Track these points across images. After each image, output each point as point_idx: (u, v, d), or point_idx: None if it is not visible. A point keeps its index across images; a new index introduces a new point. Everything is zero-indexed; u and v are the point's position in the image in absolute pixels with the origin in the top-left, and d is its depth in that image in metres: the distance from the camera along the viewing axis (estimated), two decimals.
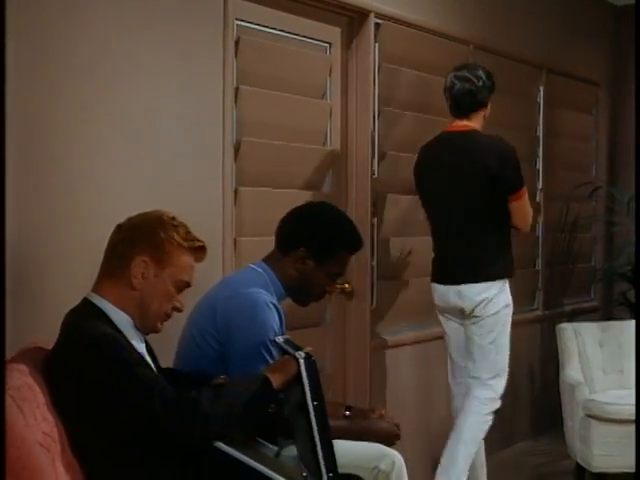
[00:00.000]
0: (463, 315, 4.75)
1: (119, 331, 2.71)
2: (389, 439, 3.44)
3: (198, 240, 2.83)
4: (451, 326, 4.88)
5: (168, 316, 2.81)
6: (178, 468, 2.67)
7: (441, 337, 5.66)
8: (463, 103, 4.75)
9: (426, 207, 4.85)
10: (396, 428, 3.46)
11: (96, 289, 2.77)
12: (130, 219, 2.81)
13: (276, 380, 2.73)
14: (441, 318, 4.91)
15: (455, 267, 4.74)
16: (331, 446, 2.72)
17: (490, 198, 4.64)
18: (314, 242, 3.37)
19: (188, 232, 2.81)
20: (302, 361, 2.72)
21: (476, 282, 4.66)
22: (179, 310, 2.83)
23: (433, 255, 4.84)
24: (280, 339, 3.09)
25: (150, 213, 2.82)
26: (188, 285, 2.82)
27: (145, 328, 2.80)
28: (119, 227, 2.80)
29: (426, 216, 4.88)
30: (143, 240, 2.74)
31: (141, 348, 2.80)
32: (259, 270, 3.40)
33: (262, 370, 2.91)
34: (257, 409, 2.73)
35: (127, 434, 2.59)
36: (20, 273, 3.04)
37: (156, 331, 2.82)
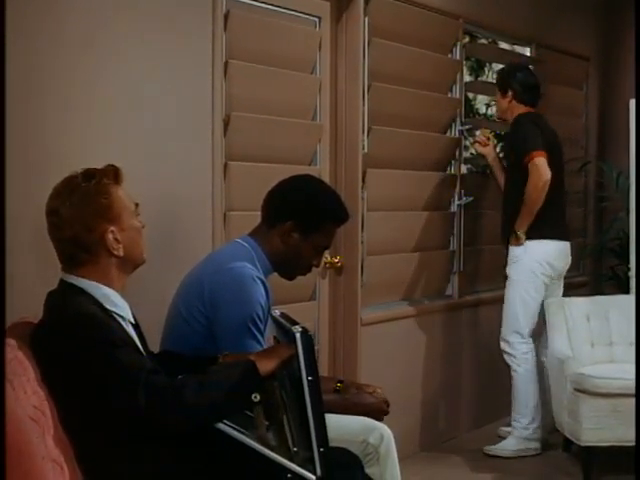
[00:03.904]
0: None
1: (102, 307, 2.71)
2: (377, 414, 3.45)
3: (111, 167, 2.80)
4: (545, 287, 5.55)
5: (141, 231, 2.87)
6: (166, 442, 2.68)
7: (430, 312, 5.69)
8: (539, 95, 5.65)
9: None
10: (384, 404, 3.47)
11: (70, 271, 2.77)
12: (63, 210, 2.72)
13: (264, 366, 2.70)
14: (544, 280, 5.51)
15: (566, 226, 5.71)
16: (323, 421, 2.72)
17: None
18: (300, 215, 3.36)
19: (99, 171, 2.78)
20: (298, 335, 2.70)
21: None
22: (144, 226, 2.87)
23: (541, 216, 5.40)
24: (277, 313, 3.09)
25: (72, 192, 2.73)
26: (137, 204, 2.85)
27: (135, 265, 2.85)
28: (63, 223, 2.73)
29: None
30: (96, 216, 2.72)
31: (128, 322, 2.81)
32: (245, 244, 3.40)
33: (251, 350, 2.90)
34: (242, 398, 2.69)
35: (112, 414, 2.60)
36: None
37: (143, 261, 2.87)
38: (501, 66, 6.30)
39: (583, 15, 7.28)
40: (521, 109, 5.55)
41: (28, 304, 2.85)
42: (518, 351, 5.50)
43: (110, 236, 2.75)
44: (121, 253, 2.77)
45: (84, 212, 2.72)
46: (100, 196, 2.74)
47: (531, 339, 5.53)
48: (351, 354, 4.96)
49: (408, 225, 5.54)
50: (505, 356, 5.57)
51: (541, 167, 5.34)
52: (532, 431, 5.52)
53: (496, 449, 5.52)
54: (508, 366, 5.59)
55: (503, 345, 5.57)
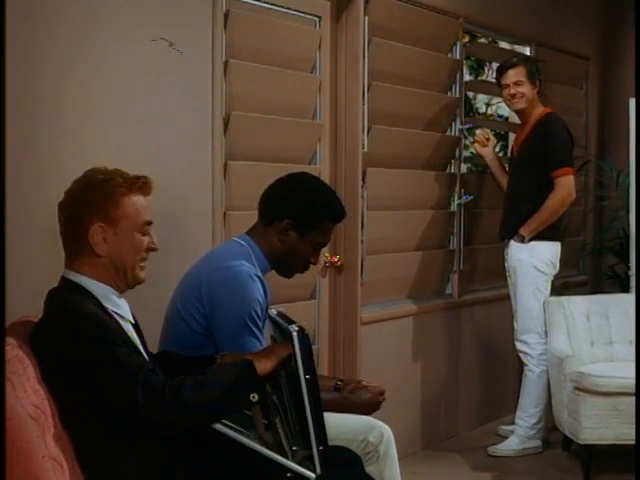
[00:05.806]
0: None
1: (102, 306, 2.72)
2: (374, 408, 3.44)
3: (137, 177, 2.80)
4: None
5: (144, 259, 2.82)
6: (165, 442, 2.68)
7: (429, 311, 5.69)
8: None
9: None
10: (380, 396, 3.45)
11: (69, 266, 2.78)
12: (66, 194, 2.78)
13: (262, 366, 2.70)
14: (549, 279, 5.54)
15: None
16: (322, 420, 2.71)
17: None
18: (297, 213, 3.36)
19: (123, 175, 2.78)
20: (295, 334, 2.70)
21: None
22: (154, 249, 2.83)
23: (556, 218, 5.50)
24: (273, 312, 3.09)
25: (81, 180, 2.78)
26: (150, 223, 2.81)
27: (128, 285, 2.81)
28: (60, 206, 2.78)
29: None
30: (88, 207, 2.73)
31: (127, 321, 2.82)
32: (242, 243, 3.40)
33: (251, 347, 2.89)
34: (240, 398, 2.68)
35: (112, 413, 2.60)
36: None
37: (140, 281, 2.83)
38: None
39: (583, 15, 7.28)
40: (542, 106, 5.54)
41: (33, 302, 2.86)
42: (536, 351, 5.49)
43: (97, 230, 2.73)
44: (102, 253, 2.74)
45: (78, 200, 2.73)
46: (102, 192, 2.73)
47: (546, 339, 5.51)
48: (351, 353, 4.96)
49: (408, 224, 5.54)
50: (522, 356, 5.57)
51: (571, 186, 5.45)
52: (536, 431, 5.54)
53: (501, 450, 5.52)
54: (522, 365, 5.58)
55: (520, 345, 5.56)
